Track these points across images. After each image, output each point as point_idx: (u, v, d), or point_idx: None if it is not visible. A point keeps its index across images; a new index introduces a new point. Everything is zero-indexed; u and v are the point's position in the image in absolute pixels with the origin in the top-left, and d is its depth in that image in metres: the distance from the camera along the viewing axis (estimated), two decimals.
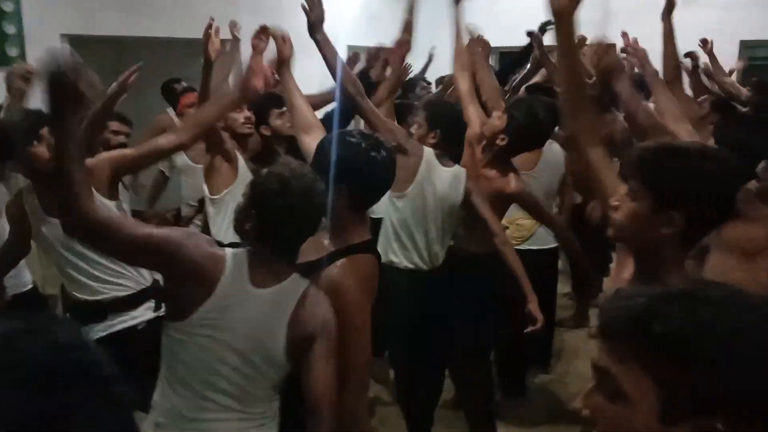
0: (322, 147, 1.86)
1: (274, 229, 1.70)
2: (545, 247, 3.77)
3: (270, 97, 3.18)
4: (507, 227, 3.13)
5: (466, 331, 2.92)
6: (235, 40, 4.11)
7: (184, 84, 5.06)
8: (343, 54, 7.69)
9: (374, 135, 1.93)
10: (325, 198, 1.72)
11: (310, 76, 6.06)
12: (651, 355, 0.79)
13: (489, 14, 9.40)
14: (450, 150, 2.79)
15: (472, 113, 3.00)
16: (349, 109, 2.63)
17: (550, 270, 3.98)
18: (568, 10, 1.60)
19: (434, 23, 9.75)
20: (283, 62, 2.46)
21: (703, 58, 5.04)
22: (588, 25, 9.54)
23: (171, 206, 4.58)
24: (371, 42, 8.60)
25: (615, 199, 1.46)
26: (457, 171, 2.74)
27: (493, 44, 9.99)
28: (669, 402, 0.78)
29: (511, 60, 5.54)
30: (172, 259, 1.64)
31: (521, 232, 3.56)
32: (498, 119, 2.84)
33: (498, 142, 2.84)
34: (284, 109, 3.09)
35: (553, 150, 3.62)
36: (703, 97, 4.23)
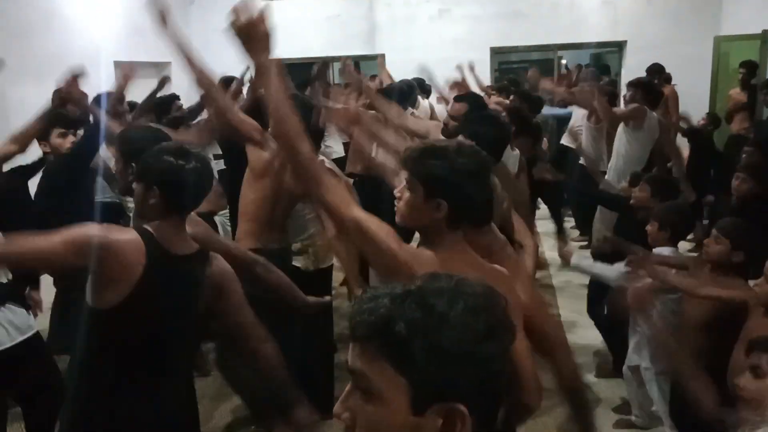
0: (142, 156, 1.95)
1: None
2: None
3: (56, 116, 3.25)
4: None
5: None
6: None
7: None
8: (110, 70, 7.17)
9: (189, 146, 1.98)
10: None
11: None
12: (396, 353, 0.84)
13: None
14: None
15: None
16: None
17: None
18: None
19: (205, 37, 9.56)
20: None
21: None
22: (357, 37, 9.99)
23: None
24: (138, 57, 8.21)
25: (398, 190, 1.69)
26: None
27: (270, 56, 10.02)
28: (417, 393, 0.84)
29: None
30: None
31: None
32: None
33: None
34: (68, 131, 3.23)
35: None
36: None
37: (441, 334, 0.83)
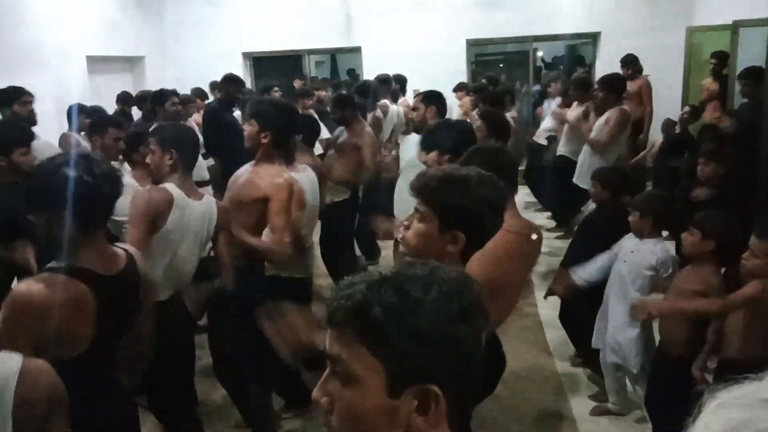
0: (34, 176, 1.81)
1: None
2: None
3: (20, 132, 3.19)
4: None
5: None
6: None
7: None
8: (83, 65, 6.99)
9: (85, 158, 1.82)
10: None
11: (44, 93, 5.48)
12: (373, 338, 0.86)
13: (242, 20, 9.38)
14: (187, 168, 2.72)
15: None
16: None
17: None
18: None
19: (179, 31, 9.47)
20: None
21: None
22: (333, 30, 9.87)
23: None
24: (111, 52, 8.11)
25: (406, 220, 1.62)
26: (209, 202, 2.72)
27: (245, 50, 9.94)
28: (393, 376, 0.87)
29: None
30: None
31: None
32: (250, 126, 2.86)
33: (262, 140, 2.84)
34: (30, 148, 3.12)
35: None
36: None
37: (416, 318, 0.86)
